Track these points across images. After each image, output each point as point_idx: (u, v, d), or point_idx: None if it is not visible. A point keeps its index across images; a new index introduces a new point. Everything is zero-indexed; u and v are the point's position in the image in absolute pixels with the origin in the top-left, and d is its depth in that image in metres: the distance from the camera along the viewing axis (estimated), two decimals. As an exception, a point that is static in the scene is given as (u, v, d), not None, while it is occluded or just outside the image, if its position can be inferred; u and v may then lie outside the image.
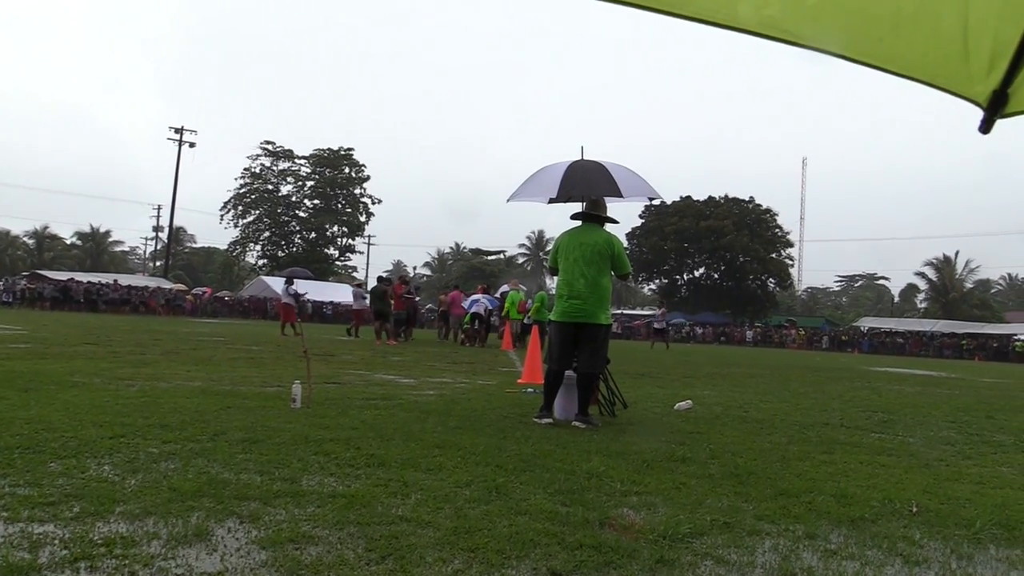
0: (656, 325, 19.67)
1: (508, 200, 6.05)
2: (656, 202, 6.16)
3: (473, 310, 19.33)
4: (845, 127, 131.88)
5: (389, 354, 13.27)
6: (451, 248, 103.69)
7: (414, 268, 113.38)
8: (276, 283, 50.56)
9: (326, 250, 64.05)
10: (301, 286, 21.20)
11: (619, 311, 63.71)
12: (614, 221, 5.64)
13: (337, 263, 70.51)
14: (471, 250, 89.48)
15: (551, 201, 5.84)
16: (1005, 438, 6.04)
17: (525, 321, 19.10)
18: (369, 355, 12.63)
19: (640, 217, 66.31)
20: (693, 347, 39.32)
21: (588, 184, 5.71)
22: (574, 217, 5.64)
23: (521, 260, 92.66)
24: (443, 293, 21.32)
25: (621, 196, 5.68)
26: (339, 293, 50.14)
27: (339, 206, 63.65)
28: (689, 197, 65.05)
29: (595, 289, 5.34)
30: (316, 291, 35.35)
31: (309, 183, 62.65)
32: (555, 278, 5.37)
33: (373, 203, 64.23)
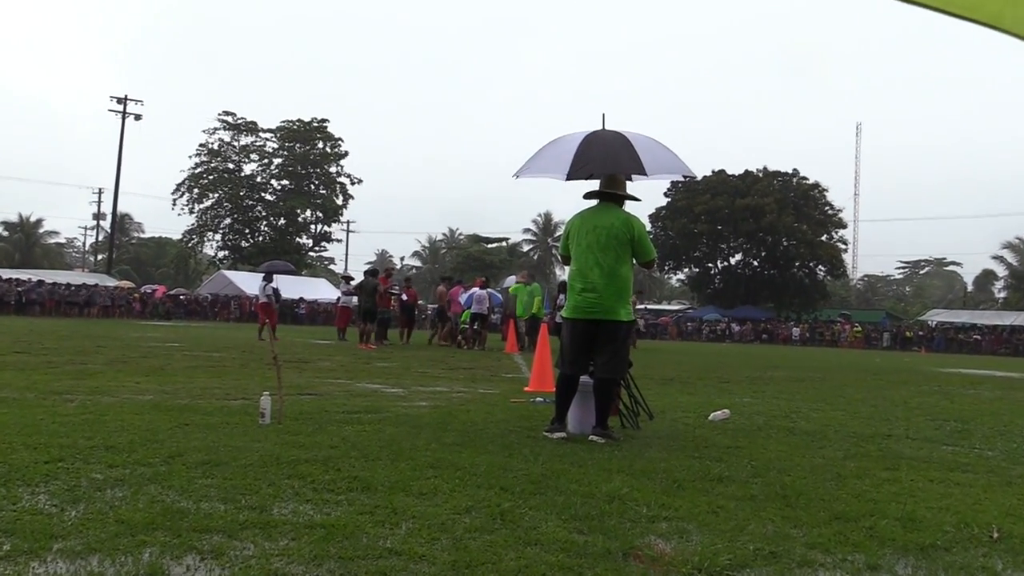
0: None
1: (515, 175, 6.02)
2: (680, 176, 6.10)
3: (475, 309, 19.31)
4: (906, 88, 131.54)
5: (374, 360, 13.28)
6: (444, 235, 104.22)
7: (401, 259, 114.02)
8: (240, 278, 50.96)
9: (297, 239, 64.26)
10: (284, 283, 21.33)
11: (642, 306, 63.66)
12: (635, 199, 5.62)
13: (311, 254, 70.72)
14: (468, 237, 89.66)
15: (569, 178, 5.82)
16: (1100, 449, 6.03)
17: (550, 319, 19.18)
18: (350, 361, 12.65)
19: (666, 195, 66.38)
20: (729, 347, 39.45)
21: (607, 159, 5.69)
22: (587, 196, 5.62)
23: (527, 248, 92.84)
24: (443, 285, 21.31)
25: (644, 173, 5.66)
26: (314, 289, 50.42)
27: (312, 187, 63.84)
28: (723, 171, 65.09)
29: (612, 280, 5.34)
30: (288, 287, 35.52)
31: (276, 161, 62.90)
32: (565, 268, 5.38)
33: (352, 183, 64.47)
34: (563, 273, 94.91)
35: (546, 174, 5.98)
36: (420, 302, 23.46)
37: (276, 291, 19.91)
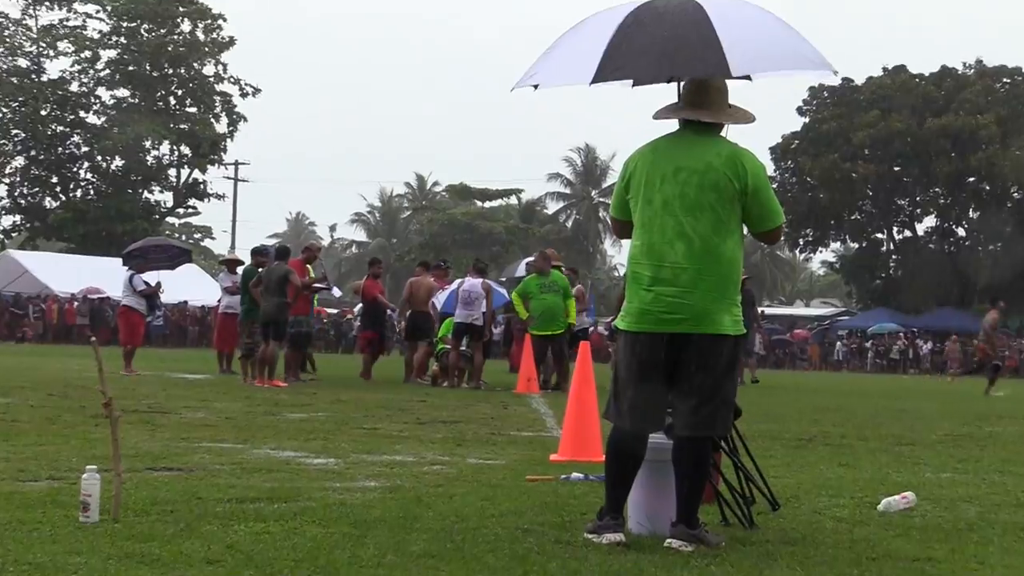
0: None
1: (513, 88, 5.99)
2: (818, 77, 6.05)
3: (460, 315, 19.30)
4: None
5: (284, 407, 13.27)
6: (408, 188, 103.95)
7: (331, 229, 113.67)
8: (42, 264, 51.02)
9: (146, 193, 64.50)
10: (154, 274, 21.56)
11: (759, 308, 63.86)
12: (747, 119, 5.60)
13: (171, 220, 70.88)
14: (449, 190, 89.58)
15: (597, 79, 5.77)
16: None
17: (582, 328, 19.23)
18: (242, 409, 12.65)
19: (800, 113, 66.41)
20: (915, 380, 39.40)
21: (667, 49, 5.61)
22: (660, 115, 5.61)
23: (553, 207, 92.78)
24: (422, 274, 21.32)
25: (729, 72, 5.57)
26: (179, 283, 50.68)
27: (172, 101, 63.98)
28: (901, 69, 65.10)
29: (709, 261, 5.33)
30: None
31: (106, 54, 63.30)
32: (622, 244, 5.37)
33: (244, 95, 64.83)
34: (613, 250, 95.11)
35: (559, 79, 5.94)
36: (390, 311, 23.41)
37: (149, 288, 20.12)
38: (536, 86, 6.01)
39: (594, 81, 5.68)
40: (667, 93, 5.75)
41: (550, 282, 18.71)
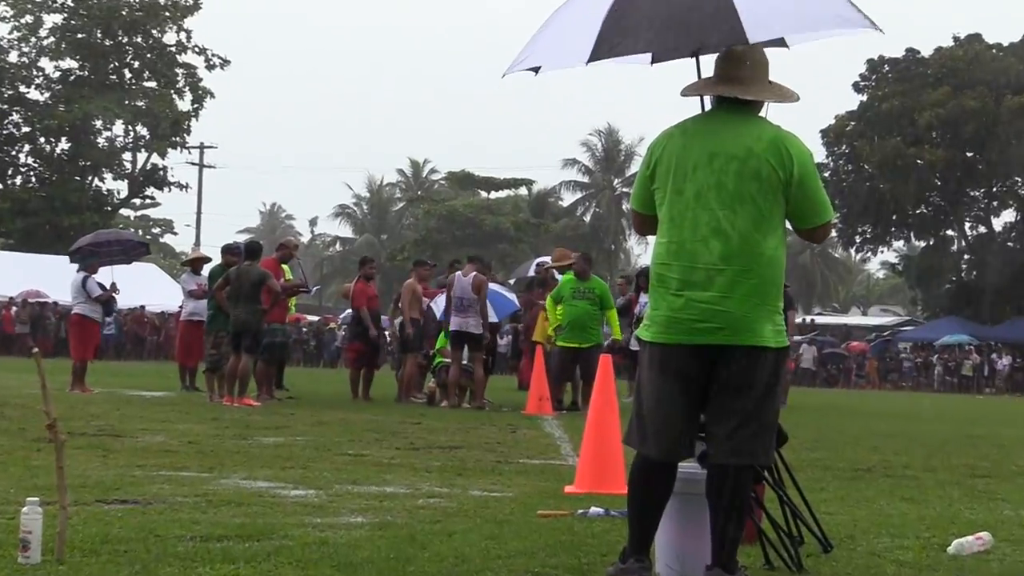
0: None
1: (505, 75, 6.03)
2: (860, 32, 6.01)
3: (456, 323, 19.27)
4: None
5: (255, 429, 13.29)
6: (400, 176, 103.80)
7: (311, 224, 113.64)
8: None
9: (96, 180, 64.46)
10: (107, 272, 21.43)
11: (802, 318, 64.02)
12: (791, 97, 5.61)
13: (125, 212, 70.81)
14: (449, 178, 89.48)
15: (591, 60, 5.79)
16: None
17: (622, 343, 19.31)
18: (208, 432, 12.68)
19: (856, 89, 66.27)
20: (991, 401, 39.27)
21: (672, 17, 5.61)
22: (689, 91, 5.64)
23: (569, 199, 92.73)
24: (421, 278, 21.29)
25: (744, 37, 5.57)
26: (137, 284, 50.73)
27: (126, 73, 63.92)
28: (976, 38, 64.88)
29: (748, 261, 5.33)
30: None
31: (51, 20, 63.39)
32: (648, 241, 5.36)
33: (211, 66, 64.78)
34: (640, 247, 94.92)
35: (553, 62, 5.98)
36: (385, 322, 23.34)
37: (105, 291, 20.11)
38: (536, 70, 6.05)
39: (591, 60, 5.71)
40: (685, 74, 5.76)
41: (587, 288, 18.76)
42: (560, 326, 18.68)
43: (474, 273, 19.57)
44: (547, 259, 23.04)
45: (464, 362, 19.40)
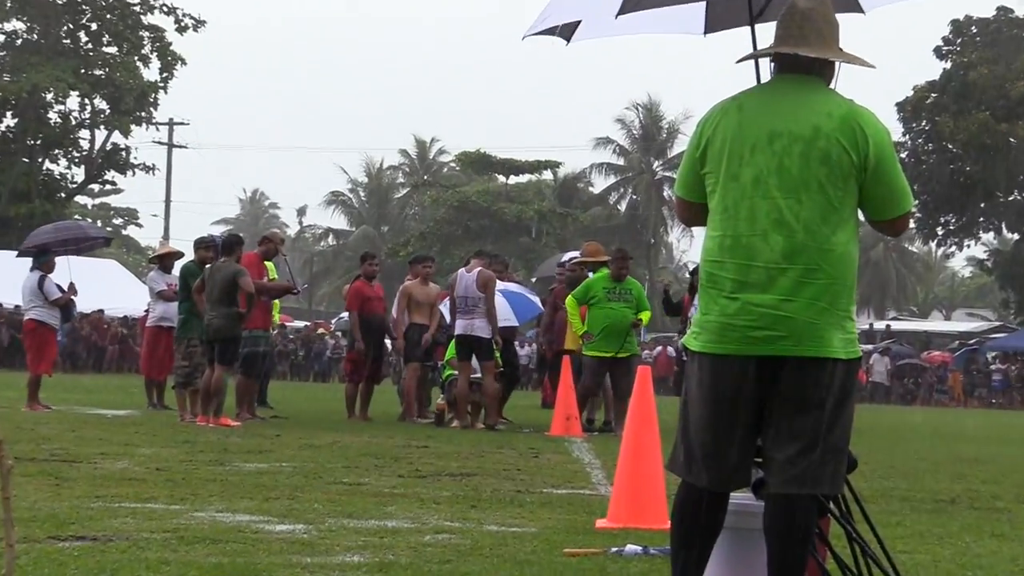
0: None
1: (525, 36, 6.07)
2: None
3: (461, 328, 19.28)
4: None
5: (233, 454, 13.33)
6: (405, 157, 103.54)
7: (299, 213, 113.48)
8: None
9: (48, 164, 64.48)
10: (63, 268, 21.48)
11: (869, 323, 63.93)
12: (864, 63, 5.63)
13: (81, 200, 70.90)
14: (461, 158, 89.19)
15: (620, 13, 5.81)
16: None
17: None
18: (180, 457, 12.70)
19: (938, 55, 66.09)
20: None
21: None
22: (746, 57, 5.68)
23: (601, 184, 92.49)
24: (422, 276, 21.31)
25: None
26: (96, 284, 51.12)
27: (82, 36, 63.90)
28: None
29: (815, 259, 5.33)
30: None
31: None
32: (693, 233, 5.35)
33: (182, 28, 64.51)
34: (685, 242, 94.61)
35: (580, 19, 6.03)
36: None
37: (64, 294, 20.17)
38: (567, 37, 6.08)
39: (621, 12, 5.73)
40: (735, 44, 5.78)
41: (623, 289, 18.75)
42: (590, 333, 18.65)
43: (479, 269, 19.55)
44: (574, 254, 22.97)
45: (476, 374, 19.38)
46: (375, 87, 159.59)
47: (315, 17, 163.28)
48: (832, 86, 5.56)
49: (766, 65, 5.63)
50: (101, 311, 48.64)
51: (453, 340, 19.93)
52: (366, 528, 8.24)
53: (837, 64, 5.53)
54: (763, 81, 5.62)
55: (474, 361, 19.35)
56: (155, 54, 63.82)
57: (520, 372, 26.39)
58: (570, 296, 19.49)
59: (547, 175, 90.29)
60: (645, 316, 19.18)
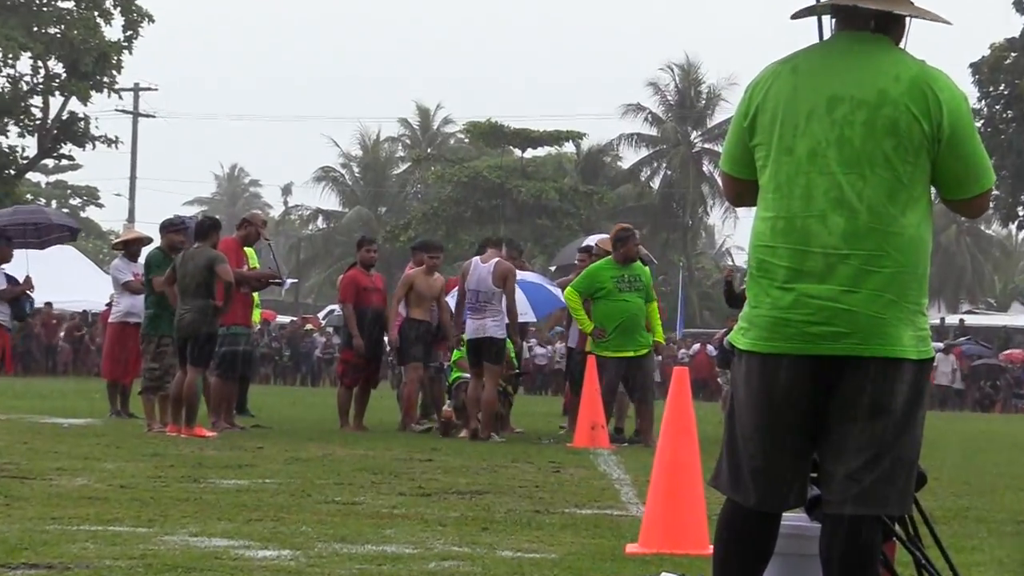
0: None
1: None
2: None
3: (472, 328, 19.30)
4: None
5: (209, 469, 13.39)
6: (406, 127, 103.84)
7: (284, 191, 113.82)
8: None
9: (-1, 136, 64.89)
10: (21, 261, 21.62)
11: (940, 317, 64.18)
12: (938, 17, 5.57)
13: (35, 176, 71.21)
14: (470, 128, 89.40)
15: None
16: None
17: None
18: (148, 472, 12.80)
19: (1018, 9, 66.14)
20: None
21: None
22: (802, 13, 5.63)
23: (632, 157, 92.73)
24: (424, 264, 21.39)
25: None
26: (50, 274, 51.47)
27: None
28: None
29: (882, 244, 5.31)
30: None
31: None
32: (738, 214, 5.31)
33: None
34: (729, 224, 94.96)
35: None
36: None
37: (19, 287, 20.34)
38: None
39: None
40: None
41: (632, 276, 18.73)
42: (602, 330, 18.62)
43: (497, 259, 19.48)
44: (601, 237, 22.95)
45: (480, 374, 19.33)
46: (371, 47, 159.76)
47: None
48: (901, 45, 5.53)
49: (829, 23, 5.61)
50: (49, 304, 48.30)
51: (459, 350, 19.99)
52: (362, 554, 8.25)
53: (908, 20, 5.49)
54: (823, 41, 5.58)
55: None
56: (118, 9, 63.81)
57: (526, 373, 26.31)
58: (570, 287, 19.40)
59: (568, 148, 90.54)
60: (653, 309, 19.12)
